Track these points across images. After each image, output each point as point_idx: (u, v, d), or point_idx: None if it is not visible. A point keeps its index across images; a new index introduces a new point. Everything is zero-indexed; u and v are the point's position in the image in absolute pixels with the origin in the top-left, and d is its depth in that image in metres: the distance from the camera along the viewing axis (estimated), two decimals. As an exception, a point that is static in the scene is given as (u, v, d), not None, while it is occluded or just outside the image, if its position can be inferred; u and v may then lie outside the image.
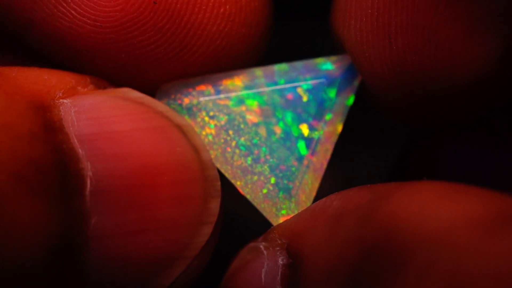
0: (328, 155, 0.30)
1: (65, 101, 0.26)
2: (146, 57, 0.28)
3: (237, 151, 0.29)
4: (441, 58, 0.28)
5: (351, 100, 0.31)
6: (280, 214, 0.29)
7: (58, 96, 0.26)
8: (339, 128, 0.30)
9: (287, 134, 0.29)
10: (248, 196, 0.29)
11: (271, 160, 0.29)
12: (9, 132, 0.23)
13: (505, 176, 0.33)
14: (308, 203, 0.29)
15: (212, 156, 0.29)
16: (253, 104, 0.30)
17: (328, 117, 0.30)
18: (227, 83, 0.30)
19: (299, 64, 0.30)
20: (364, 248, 0.22)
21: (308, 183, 0.29)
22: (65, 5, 0.27)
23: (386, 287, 0.21)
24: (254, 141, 0.29)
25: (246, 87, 0.30)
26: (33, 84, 0.26)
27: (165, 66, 0.29)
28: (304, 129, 0.30)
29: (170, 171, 0.26)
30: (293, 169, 0.29)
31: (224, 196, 0.28)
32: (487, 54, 0.28)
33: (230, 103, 0.30)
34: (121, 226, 0.25)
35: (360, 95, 0.31)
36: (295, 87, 0.30)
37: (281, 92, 0.30)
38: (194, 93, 0.30)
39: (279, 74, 0.30)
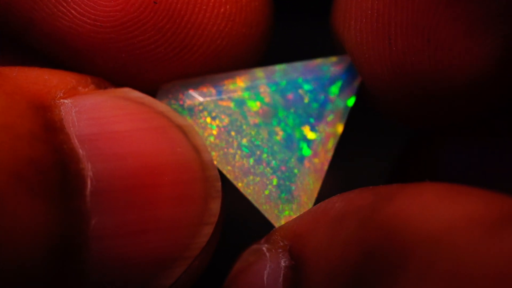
0: (329, 156, 0.30)
1: (65, 101, 0.26)
2: (147, 57, 0.28)
3: (239, 152, 0.29)
4: (441, 58, 0.28)
5: (351, 101, 0.31)
6: (282, 216, 0.29)
7: (58, 96, 0.26)
8: (340, 129, 0.30)
9: (288, 135, 0.29)
10: (249, 197, 0.29)
11: (273, 161, 0.29)
12: (9, 132, 0.23)
13: (505, 176, 0.33)
14: (310, 204, 0.29)
15: (214, 157, 0.29)
16: (255, 105, 0.30)
17: (329, 118, 0.30)
18: (228, 83, 0.30)
19: (300, 64, 0.30)
20: (365, 249, 0.22)
21: (310, 184, 0.29)
22: (65, 4, 0.27)
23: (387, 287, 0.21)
24: (256, 142, 0.29)
25: (248, 88, 0.30)
26: (33, 84, 0.26)
27: (165, 66, 0.29)
28: (306, 130, 0.30)
29: (170, 171, 0.26)
30: (295, 170, 0.29)
31: (225, 196, 0.28)
32: (487, 54, 0.28)
33: (231, 104, 0.30)
34: (121, 226, 0.25)
35: (360, 95, 0.31)
36: (296, 88, 0.30)
37: (282, 93, 0.30)
38: (195, 93, 0.30)
39: (280, 75, 0.30)
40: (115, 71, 0.28)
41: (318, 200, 0.28)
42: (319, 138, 0.30)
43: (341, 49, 0.31)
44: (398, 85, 0.29)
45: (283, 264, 0.26)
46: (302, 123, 0.30)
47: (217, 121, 0.29)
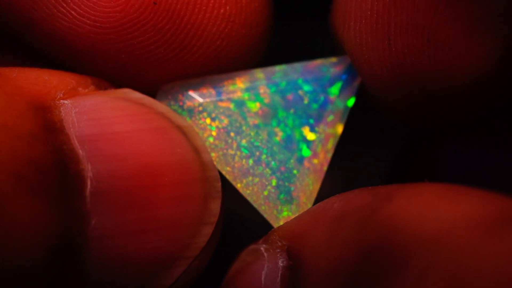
0: (329, 157, 0.30)
1: (65, 101, 0.26)
2: (146, 58, 0.28)
3: (238, 153, 0.29)
4: (441, 58, 0.28)
5: (351, 101, 0.31)
6: (281, 216, 0.29)
7: (58, 96, 0.26)
8: (340, 129, 0.30)
9: (288, 136, 0.29)
10: (249, 198, 0.29)
11: (272, 162, 0.29)
12: (9, 133, 0.23)
13: (505, 176, 0.33)
14: (309, 205, 0.29)
15: (213, 158, 0.29)
16: (254, 106, 0.30)
17: (329, 118, 0.30)
18: (228, 84, 0.30)
19: (299, 65, 0.30)
20: (364, 249, 0.22)
21: (309, 185, 0.29)
22: (64, 5, 0.27)
23: None
24: (255, 143, 0.29)
25: (247, 89, 0.30)
26: (33, 85, 0.26)
27: (165, 67, 0.29)
28: (305, 131, 0.30)
29: (170, 172, 0.26)
30: (294, 171, 0.29)
31: (225, 197, 0.28)
32: (487, 54, 0.28)
33: (231, 105, 0.30)
34: (121, 227, 0.25)
35: (360, 96, 0.31)
36: (296, 89, 0.30)
37: (282, 93, 0.30)
38: (195, 94, 0.30)
39: (280, 75, 0.30)
40: (115, 71, 0.28)
41: (317, 200, 0.28)
42: (319, 139, 0.30)
43: (340, 50, 0.31)
44: (398, 85, 0.29)
45: (281, 265, 0.26)
46: (302, 124, 0.30)
47: (217, 122, 0.29)
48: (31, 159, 0.23)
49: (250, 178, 0.29)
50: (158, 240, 0.26)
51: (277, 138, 0.29)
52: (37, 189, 0.23)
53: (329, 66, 0.30)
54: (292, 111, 0.30)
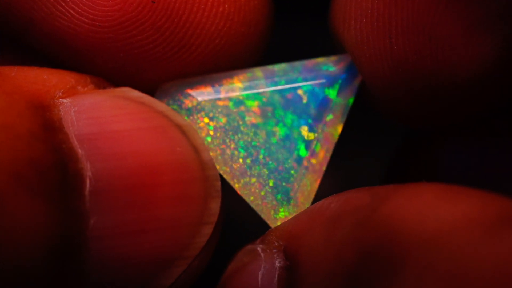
0: (327, 157, 0.30)
1: (64, 100, 0.26)
2: (145, 57, 0.28)
3: (236, 152, 0.29)
4: (441, 57, 0.28)
5: (351, 100, 0.30)
6: (278, 216, 0.29)
7: (58, 95, 0.26)
8: (339, 129, 0.30)
9: (286, 135, 0.29)
10: (246, 198, 0.29)
11: (270, 161, 0.29)
12: (8, 132, 0.23)
13: (505, 176, 0.33)
14: (307, 205, 0.29)
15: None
16: (253, 104, 0.30)
17: (328, 118, 0.30)
18: (226, 83, 0.30)
19: (299, 64, 0.30)
20: (362, 250, 0.22)
21: (307, 185, 0.29)
22: (63, 4, 0.27)
23: None
24: (253, 142, 0.29)
25: (246, 88, 0.30)
26: (32, 84, 0.26)
27: (163, 66, 0.29)
28: (304, 131, 0.29)
29: (170, 171, 0.26)
30: (292, 171, 0.29)
31: (224, 197, 0.28)
32: (487, 54, 0.28)
33: (229, 103, 0.29)
34: (120, 226, 0.25)
35: (360, 95, 0.31)
36: (295, 88, 0.30)
37: (281, 92, 0.30)
38: (193, 93, 0.29)
39: (279, 74, 0.30)
40: (114, 70, 0.28)
41: (315, 200, 0.28)
42: (318, 139, 0.30)
43: (340, 49, 0.31)
44: (398, 83, 0.29)
45: (278, 265, 0.26)
46: (301, 124, 0.30)
47: (215, 121, 0.29)
48: (30, 159, 0.23)
49: (248, 178, 0.29)
50: (157, 240, 0.26)
51: (275, 138, 0.29)
52: (37, 189, 0.23)
53: (329, 65, 0.30)
54: (291, 110, 0.30)
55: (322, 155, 0.30)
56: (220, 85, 0.30)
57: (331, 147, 0.30)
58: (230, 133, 0.29)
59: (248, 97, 0.30)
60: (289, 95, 0.30)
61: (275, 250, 0.26)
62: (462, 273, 0.20)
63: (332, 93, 0.30)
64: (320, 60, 0.31)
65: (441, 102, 0.30)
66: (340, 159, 0.32)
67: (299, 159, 0.29)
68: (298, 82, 0.30)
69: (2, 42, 0.30)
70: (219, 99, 0.29)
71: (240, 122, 0.29)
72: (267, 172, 0.29)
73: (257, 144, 0.29)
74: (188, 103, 0.29)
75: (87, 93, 0.27)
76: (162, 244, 0.26)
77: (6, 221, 0.22)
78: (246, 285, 0.26)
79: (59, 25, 0.28)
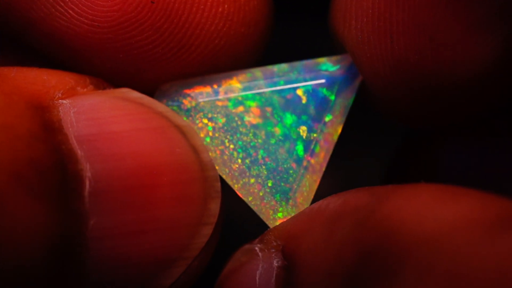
0: (327, 157, 0.30)
1: (64, 101, 0.26)
2: (144, 57, 0.28)
3: (235, 153, 0.29)
4: (442, 57, 0.28)
5: (351, 100, 0.30)
6: (277, 217, 0.29)
7: (57, 96, 0.26)
8: (339, 129, 0.30)
9: (285, 135, 0.29)
10: (245, 199, 0.29)
11: (269, 162, 0.29)
12: (8, 132, 0.23)
13: (505, 176, 0.33)
14: (306, 206, 0.29)
15: (210, 158, 0.29)
16: (252, 105, 0.29)
17: (327, 118, 0.30)
18: (226, 84, 0.30)
19: (299, 64, 0.30)
20: (361, 250, 0.22)
21: (306, 186, 0.29)
22: (62, 4, 0.27)
23: None
24: (252, 143, 0.29)
25: (245, 88, 0.30)
26: (31, 84, 0.26)
27: (163, 66, 0.29)
28: (303, 131, 0.29)
29: (169, 172, 0.26)
30: (291, 171, 0.29)
31: (224, 197, 0.28)
32: (487, 54, 0.28)
33: (228, 104, 0.29)
34: (120, 227, 0.25)
35: (360, 95, 0.31)
36: (295, 88, 0.30)
37: (280, 93, 0.30)
38: (192, 94, 0.29)
39: (279, 75, 0.30)
40: (113, 71, 0.28)
41: (315, 201, 0.28)
42: (317, 139, 0.30)
43: (340, 49, 0.31)
44: (399, 83, 0.29)
45: (276, 264, 0.26)
46: (300, 124, 0.30)
47: (214, 122, 0.29)
48: (30, 159, 0.23)
49: (247, 178, 0.29)
50: (157, 241, 0.26)
51: (275, 138, 0.29)
52: (37, 189, 0.23)
53: (329, 65, 0.30)
54: (290, 110, 0.30)
55: (322, 155, 0.30)
56: (219, 86, 0.30)
57: (330, 147, 0.30)
58: (229, 133, 0.29)
59: (247, 97, 0.30)
60: (289, 96, 0.30)
61: (273, 250, 0.26)
62: (462, 274, 0.20)
63: (331, 93, 0.30)
64: (320, 60, 0.31)
65: (441, 102, 0.30)
66: (340, 159, 0.32)
67: (298, 160, 0.29)
68: (297, 82, 0.30)
69: (2, 42, 0.30)
70: (218, 99, 0.29)
71: (239, 123, 0.29)
72: (266, 173, 0.29)
73: (256, 144, 0.29)
74: (187, 103, 0.29)
75: (87, 94, 0.27)
76: (161, 245, 0.26)
77: (6, 221, 0.22)
78: (243, 284, 0.26)
79: (59, 25, 0.28)
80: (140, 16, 0.27)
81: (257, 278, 0.26)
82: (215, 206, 0.27)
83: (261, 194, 0.29)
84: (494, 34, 0.27)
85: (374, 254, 0.22)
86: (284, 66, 0.30)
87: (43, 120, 0.25)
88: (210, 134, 0.29)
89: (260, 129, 0.29)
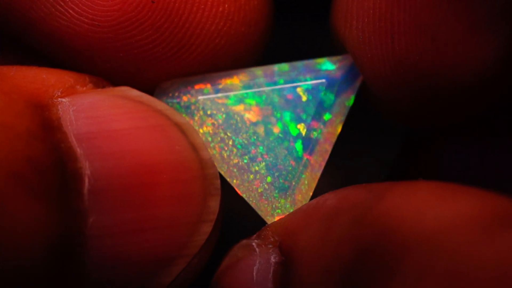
0: (326, 156, 0.30)
1: (63, 100, 0.26)
2: (144, 56, 0.28)
3: (234, 150, 0.29)
4: (443, 57, 0.28)
5: (351, 100, 0.30)
6: (275, 213, 0.29)
7: (56, 95, 0.26)
8: (339, 128, 0.30)
9: (285, 133, 0.29)
10: (244, 195, 0.29)
11: (268, 159, 0.29)
12: (7, 131, 0.23)
13: (505, 176, 0.33)
14: (304, 203, 0.29)
15: (209, 155, 0.29)
16: (252, 103, 0.30)
17: (327, 117, 0.30)
18: (226, 82, 0.30)
19: (299, 64, 0.30)
20: (359, 247, 0.22)
21: (305, 183, 0.29)
22: (62, 4, 0.27)
23: (382, 286, 0.21)
24: (252, 140, 0.29)
25: (245, 86, 0.30)
26: (31, 83, 0.26)
27: (163, 65, 0.29)
28: (302, 129, 0.29)
29: (169, 170, 0.26)
30: (290, 168, 0.29)
31: (223, 194, 0.28)
32: (488, 54, 0.28)
33: (228, 102, 0.29)
34: (119, 225, 0.25)
35: (360, 95, 0.31)
36: (295, 87, 0.30)
37: (280, 92, 0.30)
38: (192, 91, 0.30)
39: (279, 74, 0.30)
40: (113, 70, 0.28)
41: (313, 199, 0.28)
42: (316, 138, 0.30)
43: (341, 49, 0.31)
44: (400, 83, 0.29)
45: (273, 260, 0.26)
46: (299, 122, 0.30)
47: (213, 119, 0.29)
48: (29, 158, 0.23)
49: (245, 175, 0.29)
50: (157, 239, 0.26)
51: (274, 136, 0.29)
52: (36, 188, 0.23)
53: (330, 64, 0.30)
54: (290, 109, 0.30)
55: (321, 154, 0.30)
56: (220, 84, 0.30)
57: (330, 146, 0.30)
58: (229, 130, 0.29)
59: (247, 95, 0.30)
60: (289, 95, 0.30)
61: (270, 246, 0.26)
62: (461, 272, 0.20)
63: (331, 93, 0.30)
64: (320, 60, 0.31)
65: (442, 102, 0.30)
66: (340, 159, 0.32)
67: (297, 157, 0.29)
68: (297, 81, 0.30)
69: (2, 42, 0.30)
70: (218, 97, 0.29)
71: (238, 120, 0.29)
72: (265, 169, 0.29)
73: (256, 141, 0.29)
74: (186, 100, 0.29)
75: (86, 92, 0.27)
76: (161, 243, 0.26)
77: (6, 221, 0.22)
78: (240, 280, 0.26)
79: (59, 25, 0.28)
80: (140, 15, 0.27)
81: (254, 273, 0.26)
82: (214, 204, 0.27)
83: (260, 190, 0.29)
84: (495, 34, 0.27)
85: (371, 251, 0.22)
86: (284, 66, 0.30)
87: (42, 119, 0.25)
88: (210, 130, 0.29)
89: (259, 126, 0.29)
